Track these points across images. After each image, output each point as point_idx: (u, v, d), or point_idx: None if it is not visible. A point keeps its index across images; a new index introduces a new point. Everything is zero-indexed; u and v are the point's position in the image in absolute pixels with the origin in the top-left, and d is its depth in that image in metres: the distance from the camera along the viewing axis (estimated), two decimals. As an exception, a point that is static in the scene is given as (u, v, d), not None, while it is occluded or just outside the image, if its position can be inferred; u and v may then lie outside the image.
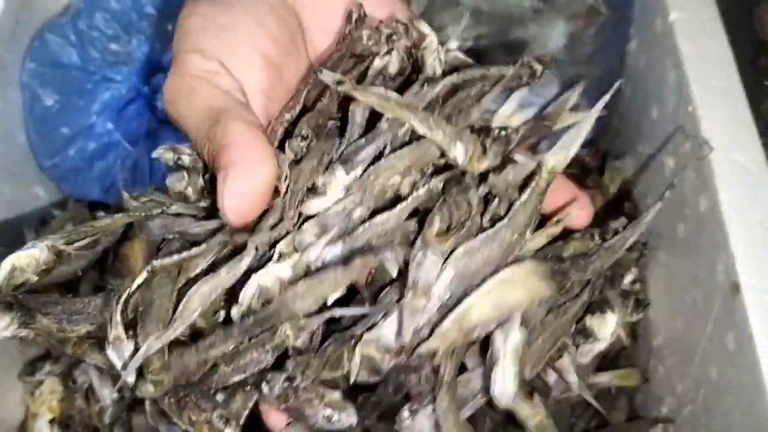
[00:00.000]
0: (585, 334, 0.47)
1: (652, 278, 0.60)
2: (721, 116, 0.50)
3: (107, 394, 0.54)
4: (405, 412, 0.38)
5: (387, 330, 0.38)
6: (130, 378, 0.37)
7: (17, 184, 0.59)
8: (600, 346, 0.46)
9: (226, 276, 0.37)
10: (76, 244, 0.53)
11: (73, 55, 0.57)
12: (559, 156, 0.46)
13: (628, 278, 0.59)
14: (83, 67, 0.56)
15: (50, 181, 0.63)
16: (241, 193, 0.33)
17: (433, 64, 0.46)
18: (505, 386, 0.38)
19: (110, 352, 0.37)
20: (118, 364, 0.37)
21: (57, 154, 0.56)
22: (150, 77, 0.55)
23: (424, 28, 0.46)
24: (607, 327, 0.45)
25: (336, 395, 0.38)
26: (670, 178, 0.55)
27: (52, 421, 0.56)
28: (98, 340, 0.41)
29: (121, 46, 0.55)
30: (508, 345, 0.38)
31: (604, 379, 0.61)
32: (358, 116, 0.41)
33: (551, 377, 0.58)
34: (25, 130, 0.58)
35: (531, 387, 0.43)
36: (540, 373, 0.50)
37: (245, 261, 0.37)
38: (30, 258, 0.41)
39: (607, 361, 0.62)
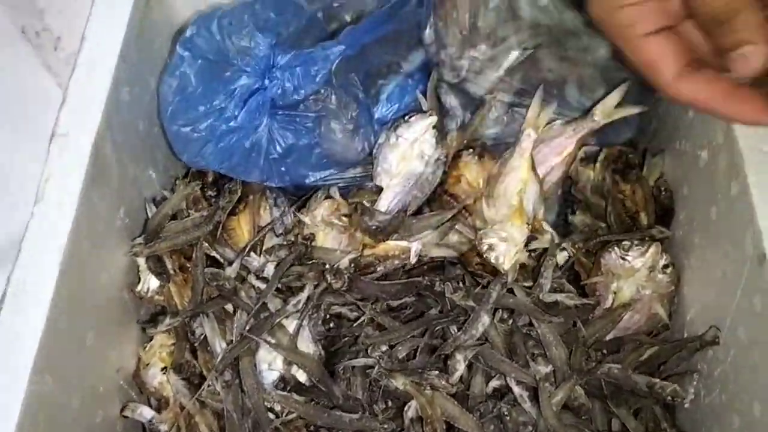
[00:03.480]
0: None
1: (686, 259, 0.68)
2: (751, 114, 0.58)
3: (218, 343, 0.63)
4: None
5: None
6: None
7: (138, 165, 0.68)
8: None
9: None
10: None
11: (217, 47, 0.65)
12: None
13: (661, 262, 0.68)
14: (224, 58, 0.65)
15: (161, 166, 0.73)
16: None
17: None
18: None
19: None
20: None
21: (189, 125, 0.66)
22: (267, 73, 0.64)
23: None
24: None
25: None
26: (705, 169, 0.64)
27: (163, 369, 0.65)
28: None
29: (251, 44, 0.64)
30: None
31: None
32: None
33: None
34: (161, 103, 0.68)
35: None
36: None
37: None
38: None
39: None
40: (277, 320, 0.62)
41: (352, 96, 0.66)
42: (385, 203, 0.68)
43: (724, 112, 0.45)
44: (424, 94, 0.71)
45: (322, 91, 0.63)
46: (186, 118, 0.64)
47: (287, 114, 0.65)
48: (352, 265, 0.63)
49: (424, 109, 0.70)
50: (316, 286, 0.63)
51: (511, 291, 0.65)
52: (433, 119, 0.68)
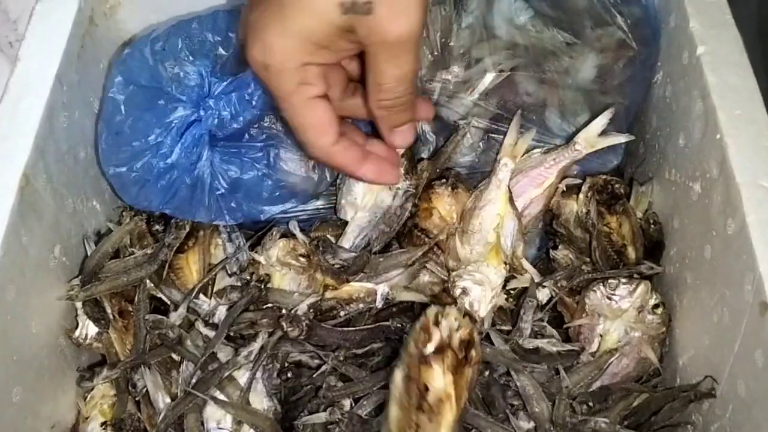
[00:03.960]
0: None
1: (677, 298, 0.62)
2: (747, 143, 0.53)
3: (161, 398, 0.56)
4: None
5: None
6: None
7: (78, 197, 0.62)
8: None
9: None
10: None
11: (150, 73, 0.60)
12: None
13: (651, 301, 0.62)
14: (158, 86, 0.59)
15: (107, 195, 0.67)
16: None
17: None
18: None
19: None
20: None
21: (124, 165, 0.59)
22: (201, 102, 0.59)
23: None
24: None
25: None
26: (698, 203, 0.58)
27: (103, 424, 0.59)
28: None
29: (183, 71, 0.58)
30: None
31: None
32: None
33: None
34: (97, 139, 0.62)
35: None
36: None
37: None
38: None
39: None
40: (227, 373, 0.55)
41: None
42: (350, 238, 0.62)
43: (359, 174, 0.51)
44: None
45: (267, 117, 0.57)
46: (118, 157, 0.58)
47: (230, 145, 0.59)
48: (311, 310, 0.57)
49: (393, 135, 0.64)
50: (270, 334, 0.56)
51: (487, 337, 0.59)
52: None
